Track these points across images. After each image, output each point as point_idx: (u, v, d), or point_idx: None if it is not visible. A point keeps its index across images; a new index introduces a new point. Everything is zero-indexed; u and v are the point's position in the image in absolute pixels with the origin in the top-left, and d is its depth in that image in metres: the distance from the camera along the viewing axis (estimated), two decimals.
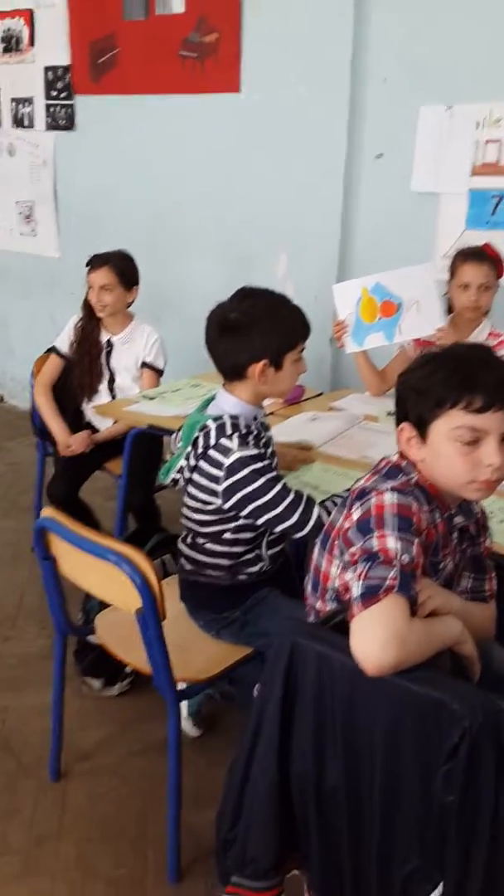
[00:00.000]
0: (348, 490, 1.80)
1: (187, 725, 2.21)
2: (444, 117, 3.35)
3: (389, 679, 1.22)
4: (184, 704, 2.19)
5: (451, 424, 1.34)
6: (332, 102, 3.52)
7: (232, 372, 1.84)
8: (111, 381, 3.08)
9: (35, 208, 4.67)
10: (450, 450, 1.35)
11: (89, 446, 2.98)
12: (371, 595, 1.23)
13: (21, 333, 5.11)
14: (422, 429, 1.38)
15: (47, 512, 1.75)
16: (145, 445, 2.83)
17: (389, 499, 1.34)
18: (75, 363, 3.07)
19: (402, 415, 1.44)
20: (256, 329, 1.77)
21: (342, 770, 1.31)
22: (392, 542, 1.28)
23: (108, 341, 3.07)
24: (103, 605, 2.09)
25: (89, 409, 3.11)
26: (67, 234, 4.61)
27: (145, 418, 2.61)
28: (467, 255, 2.73)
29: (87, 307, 3.03)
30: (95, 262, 2.97)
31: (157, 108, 4.02)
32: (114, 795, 2.06)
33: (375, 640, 1.20)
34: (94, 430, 3.11)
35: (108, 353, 3.07)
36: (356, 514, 1.37)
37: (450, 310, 2.85)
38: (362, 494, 1.39)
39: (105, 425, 3.08)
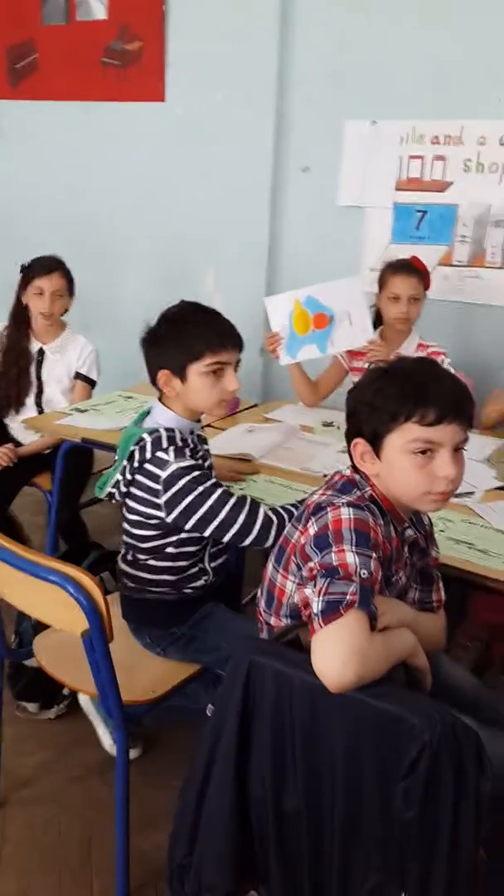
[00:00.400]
0: (299, 502, 1.80)
1: None
2: (368, 132, 3.42)
3: (349, 695, 1.21)
4: (104, 731, 2.13)
5: (405, 438, 1.35)
6: (258, 115, 3.55)
7: (152, 383, 1.83)
8: (39, 393, 2.99)
9: None
10: (405, 463, 1.36)
11: (12, 461, 2.88)
12: (332, 611, 1.23)
13: None
14: (376, 443, 1.39)
15: None
16: (73, 460, 2.76)
17: (346, 513, 1.34)
18: (1, 374, 2.97)
19: (354, 430, 1.44)
20: (162, 340, 1.79)
21: (302, 789, 1.30)
22: (351, 558, 1.28)
23: (40, 350, 2.97)
24: (38, 626, 2.02)
25: (15, 423, 3.01)
26: None
27: (77, 431, 2.54)
28: (397, 268, 2.78)
29: (18, 314, 2.92)
30: (46, 267, 2.86)
31: (79, 115, 3.97)
32: (55, 823, 1.98)
33: (337, 656, 1.20)
34: (18, 444, 3.00)
35: (39, 364, 2.97)
36: (312, 529, 1.36)
37: (378, 321, 2.90)
38: (318, 509, 1.38)
39: (31, 440, 2.99)
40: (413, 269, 2.79)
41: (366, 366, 2.79)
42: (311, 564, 1.33)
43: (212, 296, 3.77)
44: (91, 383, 3.02)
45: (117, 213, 4.03)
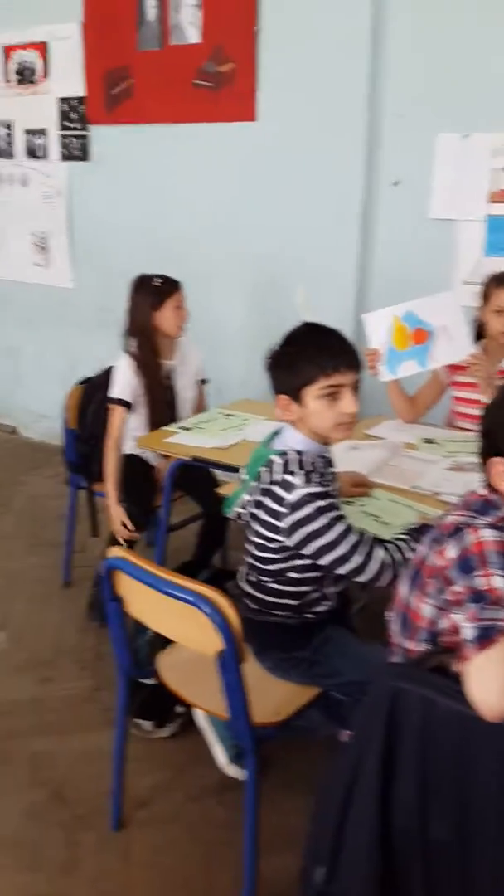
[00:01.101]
0: (410, 531, 1.78)
1: (233, 770, 2.11)
2: (460, 145, 3.38)
3: (501, 723, 1.18)
4: (220, 751, 2.12)
5: None
6: (348, 131, 3.53)
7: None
8: (173, 412, 2.95)
9: (49, 238, 4.64)
10: None
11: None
12: (486, 638, 1.20)
13: (31, 364, 5.06)
14: None
15: (117, 552, 1.70)
16: (181, 474, 2.75)
17: (488, 535, 1.31)
18: (151, 414, 2.87)
19: (491, 449, 1.41)
20: (278, 364, 1.79)
21: (450, 818, 1.27)
22: (499, 582, 1.25)
23: (170, 369, 2.95)
24: (153, 645, 2.03)
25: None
26: (81, 264, 4.59)
27: (187, 450, 2.56)
28: (501, 280, 2.73)
29: (145, 341, 2.84)
30: (175, 281, 2.90)
31: (172, 137, 4.03)
32: (176, 845, 1.97)
33: (495, 685, 1.17)
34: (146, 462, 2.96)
35: (171, 384, 2.96)
36: (453, 552, 1.34)
37: (479, 335, 2.85)
38: (456, 531, 1.36)
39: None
40: None
41: (470, 380, 2.75)
42: (455, 588, 1.30)
43: (302, 312, 3.77)
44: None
45: (206, 232, 4.07)
